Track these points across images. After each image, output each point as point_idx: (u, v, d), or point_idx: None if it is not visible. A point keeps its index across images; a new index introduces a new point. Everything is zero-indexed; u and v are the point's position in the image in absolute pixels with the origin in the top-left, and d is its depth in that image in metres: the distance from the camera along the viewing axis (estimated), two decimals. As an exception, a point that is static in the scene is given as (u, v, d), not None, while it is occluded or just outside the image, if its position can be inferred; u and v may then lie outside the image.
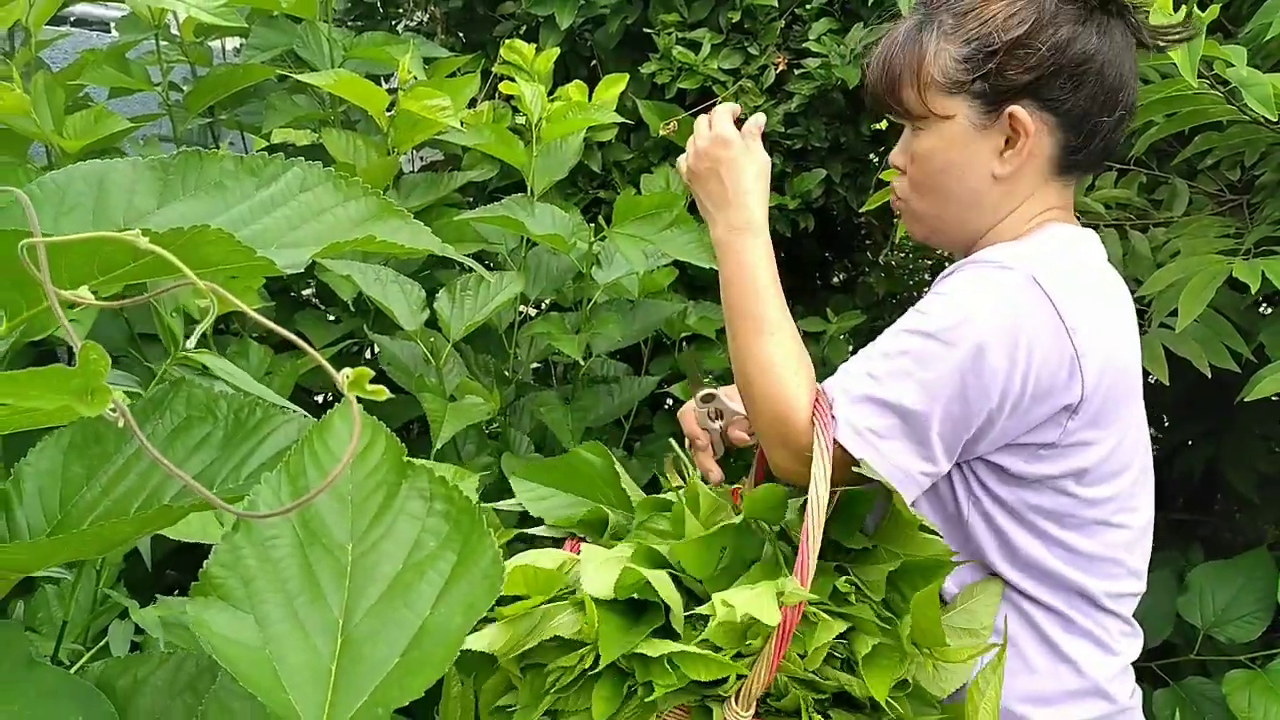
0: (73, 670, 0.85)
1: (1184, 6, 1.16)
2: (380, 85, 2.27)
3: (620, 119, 1.82)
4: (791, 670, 0.87)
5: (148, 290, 0.52)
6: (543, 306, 2.17)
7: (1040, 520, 0.99)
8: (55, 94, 1.38)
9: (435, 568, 0.48)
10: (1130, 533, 1.02)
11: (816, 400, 0.96)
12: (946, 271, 1.00)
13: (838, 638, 0.88)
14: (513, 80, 1.69)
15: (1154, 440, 2.32)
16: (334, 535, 0.49)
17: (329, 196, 0.57)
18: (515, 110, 1.83)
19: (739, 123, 1.10)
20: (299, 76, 1.50)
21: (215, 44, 2.07)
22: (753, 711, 0.85)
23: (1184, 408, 2.08)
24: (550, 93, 1.73)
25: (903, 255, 3.06)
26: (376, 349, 1.67)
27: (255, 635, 0.46)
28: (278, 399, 0.67)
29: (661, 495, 1.05)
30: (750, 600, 0.83)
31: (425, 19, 2.37)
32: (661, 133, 2.01)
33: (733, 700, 0.85)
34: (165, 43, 1.81)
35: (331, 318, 1.85)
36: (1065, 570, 0.99)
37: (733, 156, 1.06)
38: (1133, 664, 1.07)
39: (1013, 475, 0.98)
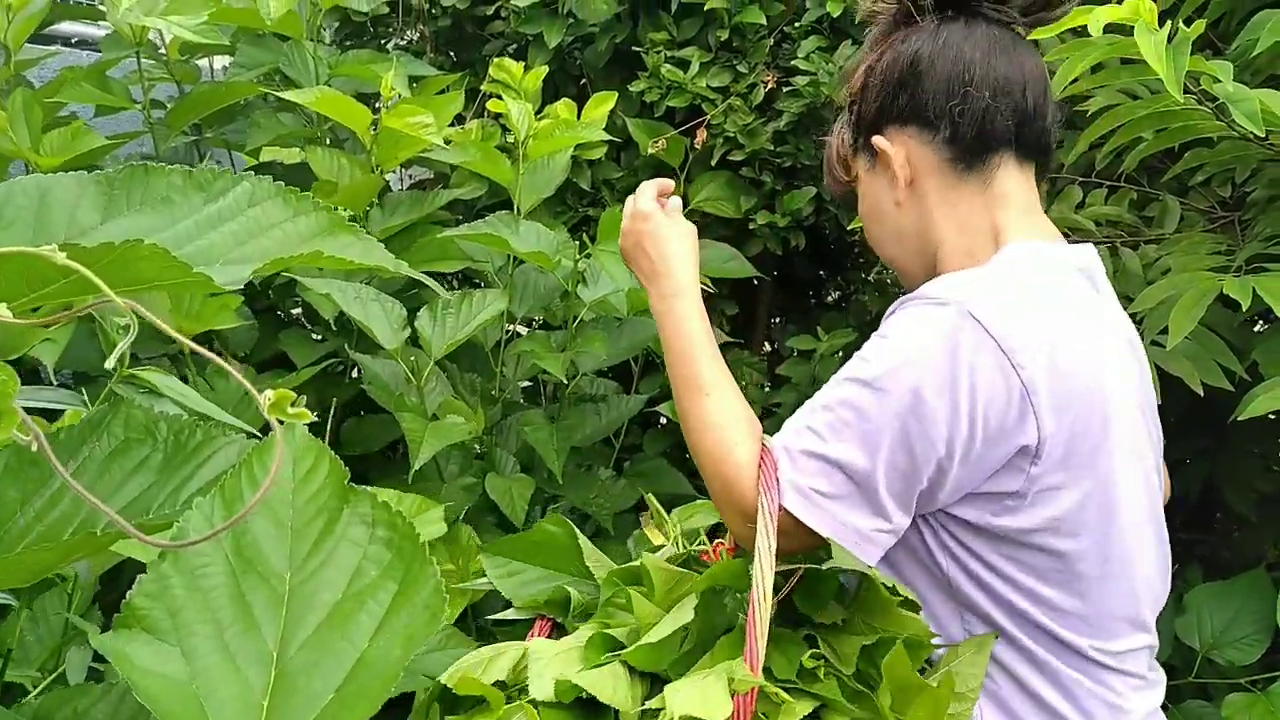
0: (30, 697, 0.82)
1: (1169, 22, 1.15)
2: (370, 104, 2.27)
3: (609, 137, 1.82)
4: None
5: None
6: (533, 325, 2.15)
7: (1023, 576, 0.92)
8: (33, 111, 1.37)
9: (375, 597, 0.46)
10: (1130, 584, 0.95)
11: (762, 461, 0.92)
12: (889, 310, 0.97)
13: (807, 718, 0.82)
14: (500, 99, 1.68)
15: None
16: (271, 563, 0.47)
17: (278, 211, 0.56)
18: (504, 129, 1.82)
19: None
20: (281, 94, 1.49)
21: (204, 63, 2.06)
22: None
23: (1179, 426, 2.05)
24: (539, 111, 1.73)
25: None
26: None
27: (181, 669, 0.43)
28: (228, 419, 0.65)
29: (628, 565, 1.00)
30: (697, 697, 0.79)
31: (415, 38, 2.37)
32: (650, 151, 2.00)
33: None
34: (151, 61, 1.80)
35: (317, 337, 1.83)
36: (1060, 630, 0.93)
37: (653, 229, 1.10)
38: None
39: (984, 530, 0.92)
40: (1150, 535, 0.99)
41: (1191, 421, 1.98)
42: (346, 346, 1.63)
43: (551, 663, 0.84)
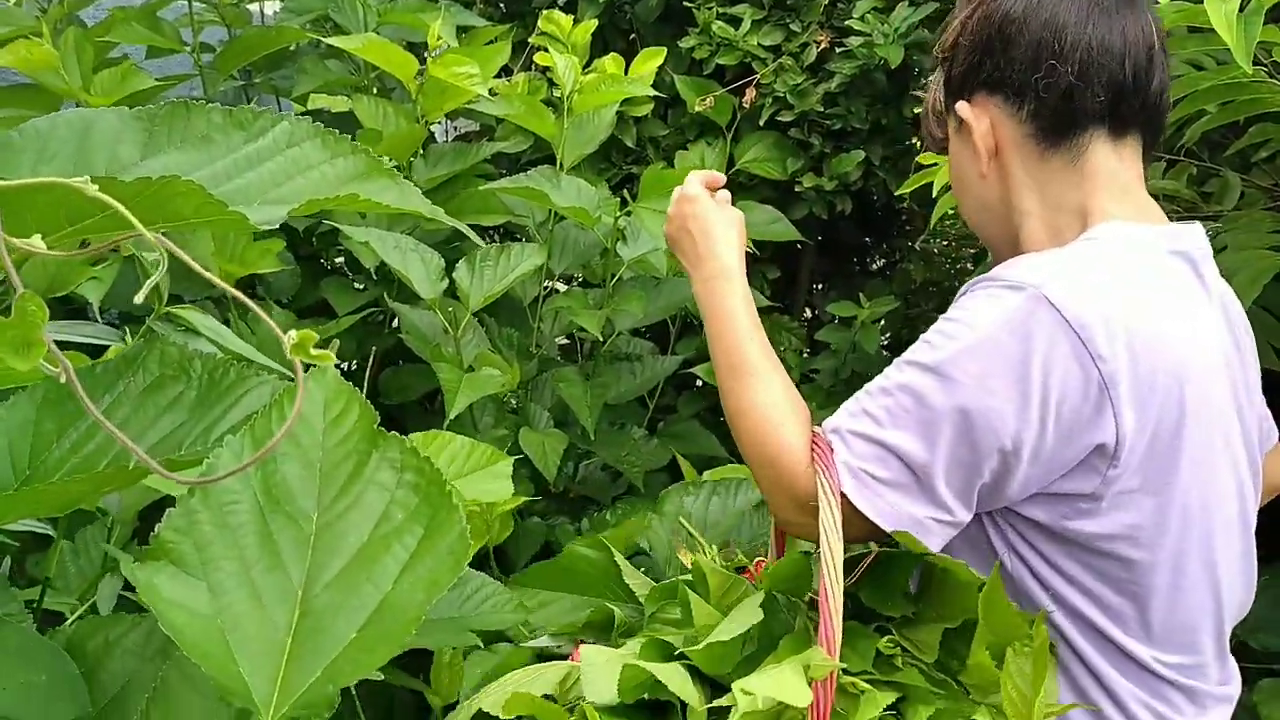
0: (66, 625, 0.84)
1: (1242, -12, 1.11)
2: (418, 55, 2.26)
3: (655, 93, 1.79)
4: None
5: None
6: (574, 281, 2.15)
7: (1090, 580, 0.87)
8: (84, 51, 1.38)
9: (401, 541, 0.46)
10: (1206, 596, 0.89)
11: (815, 443, 0.88)
12: (961, 291, 0.92)
13: (888, 709, 0.77)
14: (548, 51, 1.66)
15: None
16: (299, 503, 0.47)
17: (316, 153, 0.55)
18: (551, 82, 1.81)
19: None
20: (329, 40, 1.49)
21: (254, 7, 2.06)
22: None
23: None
24: (587, 65, 1.71)
25: (945, 243, 2.99)
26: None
27: (207, 603, 0.44)
28: (263, 359, 0.66)
29: (669, 582, 0.95)
30: (774, 683, 0.73)
31: (466, -13, 2.34)
32: (697, 108, 1.98)
33: None
34: (202, 4, 1.80)
35: (359, 286, 1.84)
36: (1122, 638, 0.88)
37: (699, 212, 1.07)
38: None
39: (1055, 533, 0.87)
40: (1237, 543, 0.92)
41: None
42: (385, 296, 1.64)
43: (606, 668, 0.78)
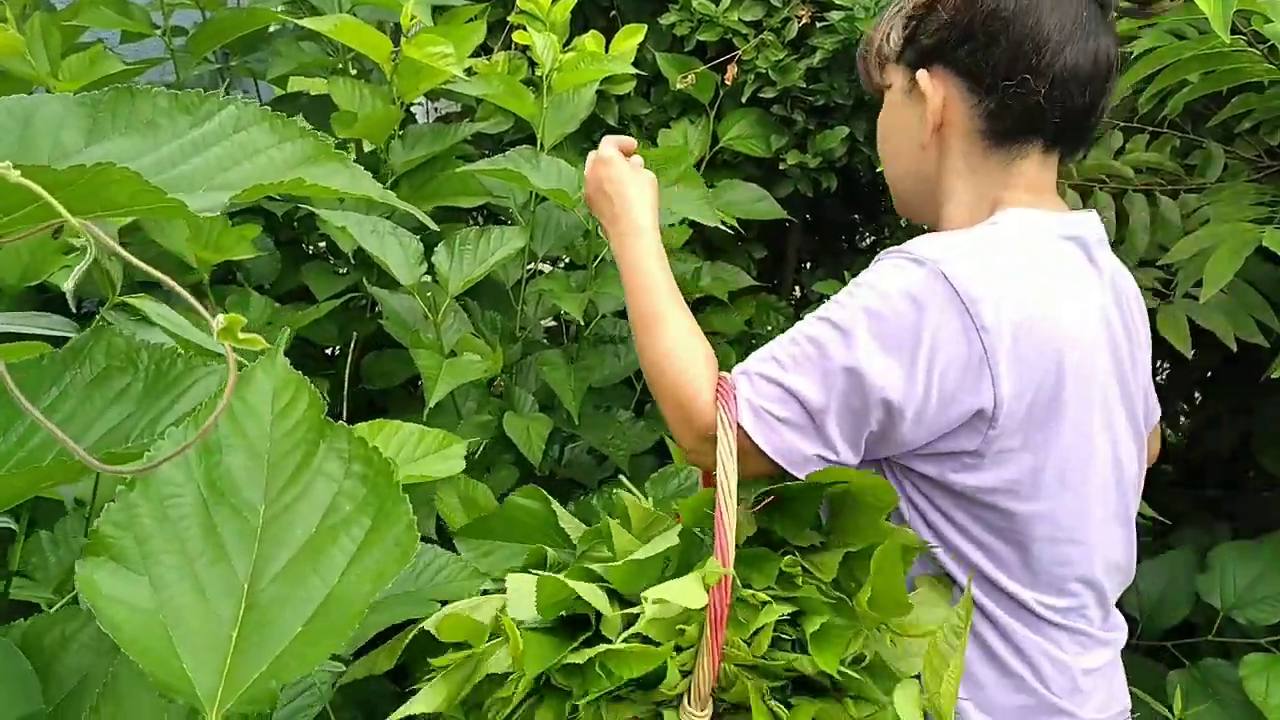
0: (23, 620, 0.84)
1: (1221, -44, 1.09)
2: (397, 37, 2.23)
3: (637, 71, 1.77)
4: (739, 658, 0.83)
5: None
6: (559, 264, 2.13)
7: (976, 529, 0.95)
8: (52, 35, 1.36)
9: (349, 533, 0.45)
10: (1083, 549, 0.97)
11: (721, 382, 0.95)
12: (877, 258, 0.98)
13: (788, 622, 0.84)
14: (526, 30, 1.64)
15: (1183, 415, 2.26)
16: (245, 495, 0.46)
17: (264, 137, 0.54)
18: (531, 62, 1.79)
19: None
20: (300, 21, 1.47)
21: (230, -10, 2.03)
22: (710, 711, 0.81)
23: (1214, 381, 2.01)
24: (567, 43, 1.69)
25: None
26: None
27: (148, 598, 0.43)
28: (215, 347, 0.64)
29: (600, 524, 1.00)
30: (672, 588, 0.80)
31: (444, -34, 2.31)
32: (679, 86, 1.95)
33: (686, 702, 0.81)
34: (175, -13, 1.78)
35: (340, 270, 1.83)
36: (1006, 582, 0.96)
37: (614, 175, 1.14)
38: (1148, 645, 1.00)
39: (943, 485, 0.95)
40: (1113, 504, 1.00)
41: (1227, 377, 1.93)
42: (365, 281, 1.63)
43: (529, 590, 0.84)
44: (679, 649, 0.82)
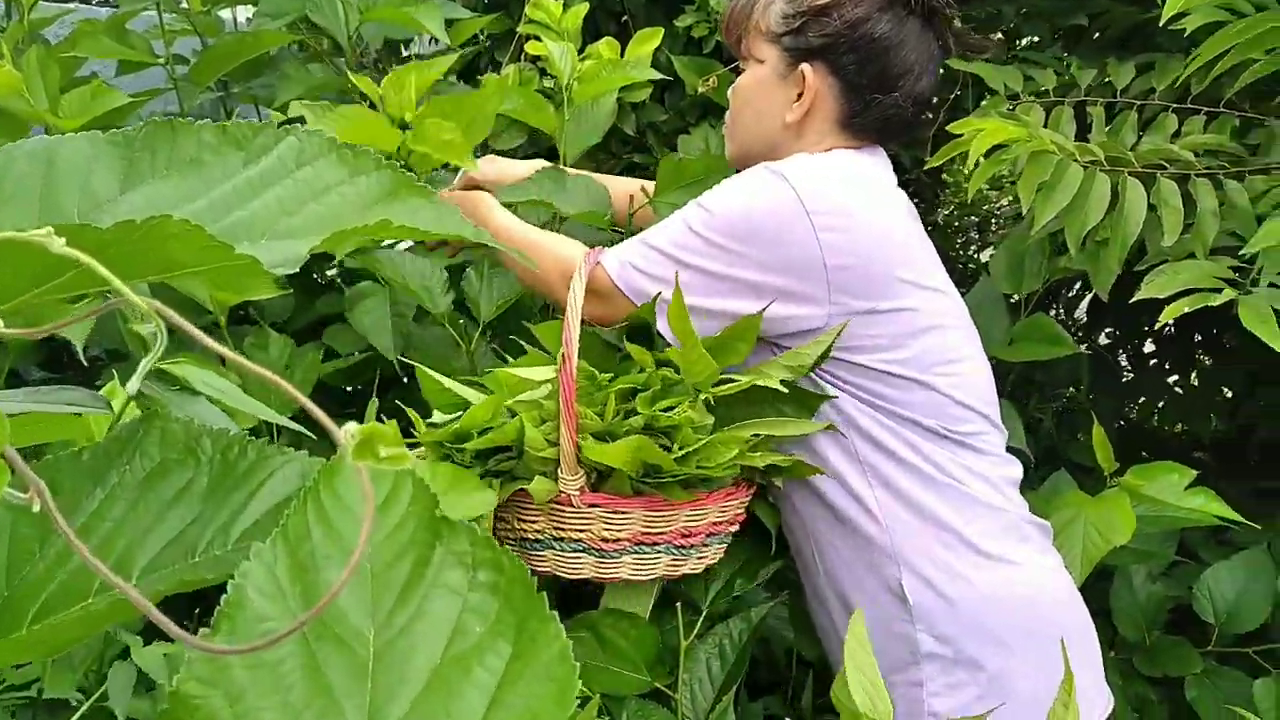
0: (80, 713, 0.74)
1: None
2: (402, 50, 2.14)
3: (658, 75, 1.69)
4: (592, 427, 1.00)
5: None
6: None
7: (877, 385, 1.13)
8: (50, 70, 1.27)
9: (483, 662, 0.36)
10: (964, 380, 1.17)
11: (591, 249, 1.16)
12: (748, 169, 1.16)
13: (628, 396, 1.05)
14: (539, 40, 1.55)
15: (1235, 406, 2.17)
16: (349, 620, 0.37)
17: (332, 172, 0.45)
18: (543, 73, 1.70)
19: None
20: (300, 114, 1.34)
21: (227, 14, 1.94)
22: (581, 475, 1.00)
23: (1275, 372, 1.92)
24: (579, 52, 1.60)
25: (947, 213, 2.92)
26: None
27: (249, 772, 0.34)
28: (278, 419, 0.55)
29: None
30: (525, 368, 1.05)
31: (445, -22, 2.22)
32: (700, 90, 1.87)
33: (560, 470, 1.01)
34: (172, 14, 1.69)
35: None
36: (916, 416, 1.13)
37: (461, 204, 1.33)
38: (1228, 650, 1.25)
39: (837, 359, 1.12)
40: (975, 346, 1.22)
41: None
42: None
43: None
44: (544, 420, 1.02)
